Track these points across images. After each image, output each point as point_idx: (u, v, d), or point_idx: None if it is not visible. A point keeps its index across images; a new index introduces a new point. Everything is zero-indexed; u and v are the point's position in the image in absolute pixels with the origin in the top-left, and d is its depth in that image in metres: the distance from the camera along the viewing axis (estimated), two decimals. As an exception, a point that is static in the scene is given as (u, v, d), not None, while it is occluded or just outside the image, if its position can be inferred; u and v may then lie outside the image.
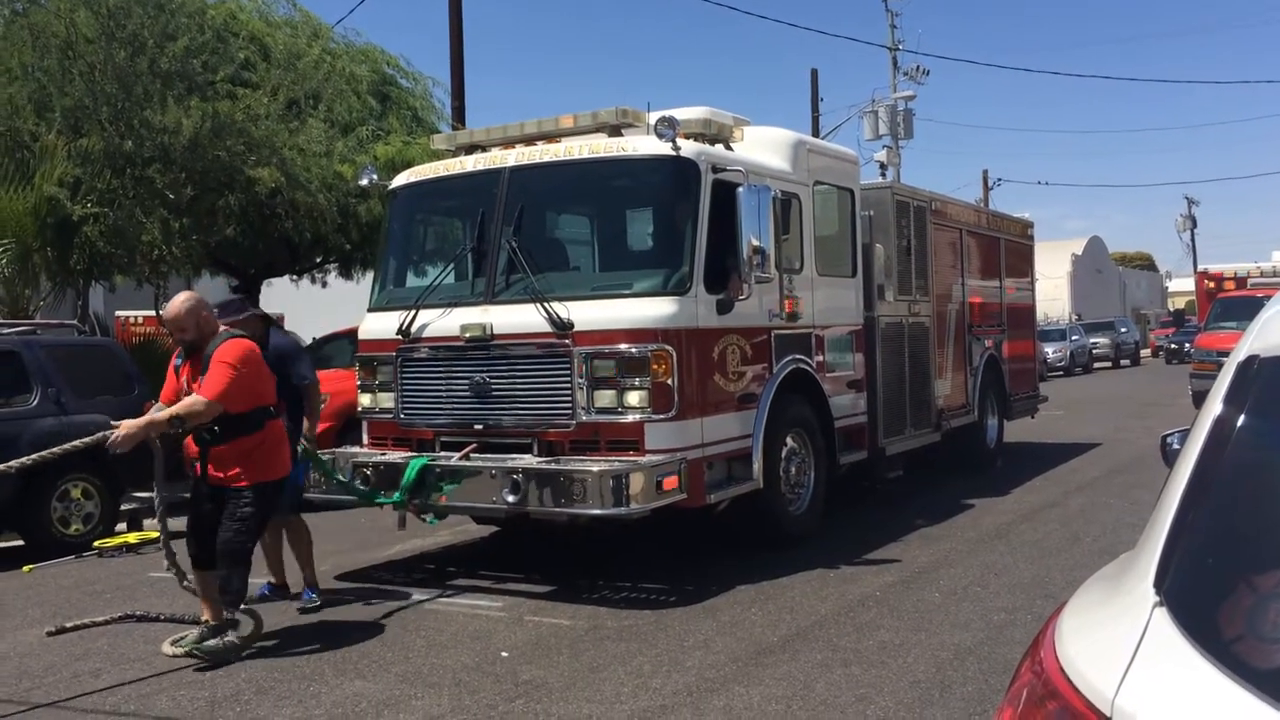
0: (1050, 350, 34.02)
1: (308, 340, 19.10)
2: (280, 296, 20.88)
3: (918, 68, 35.78)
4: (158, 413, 5.84)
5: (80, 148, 12.37)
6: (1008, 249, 13.41)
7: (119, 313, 24.83)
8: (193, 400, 5.73)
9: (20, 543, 9.51)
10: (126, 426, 5.68)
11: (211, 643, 5.89)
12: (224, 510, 5.93)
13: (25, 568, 8.66)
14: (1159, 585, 1.60)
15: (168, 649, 5.98)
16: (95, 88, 12.46)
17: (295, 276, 18.18)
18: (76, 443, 5.96)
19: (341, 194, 14.01)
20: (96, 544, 9.28)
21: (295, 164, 13.43)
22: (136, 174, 12.61)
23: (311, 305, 22.28)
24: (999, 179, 56.55)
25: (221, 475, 5.96)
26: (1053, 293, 46.79)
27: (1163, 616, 1.55)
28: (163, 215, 12.74)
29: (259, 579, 6.93)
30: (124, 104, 12.49)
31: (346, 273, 17.58)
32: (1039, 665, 1.67)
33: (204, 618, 6.06)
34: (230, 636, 5.92)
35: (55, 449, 6.03)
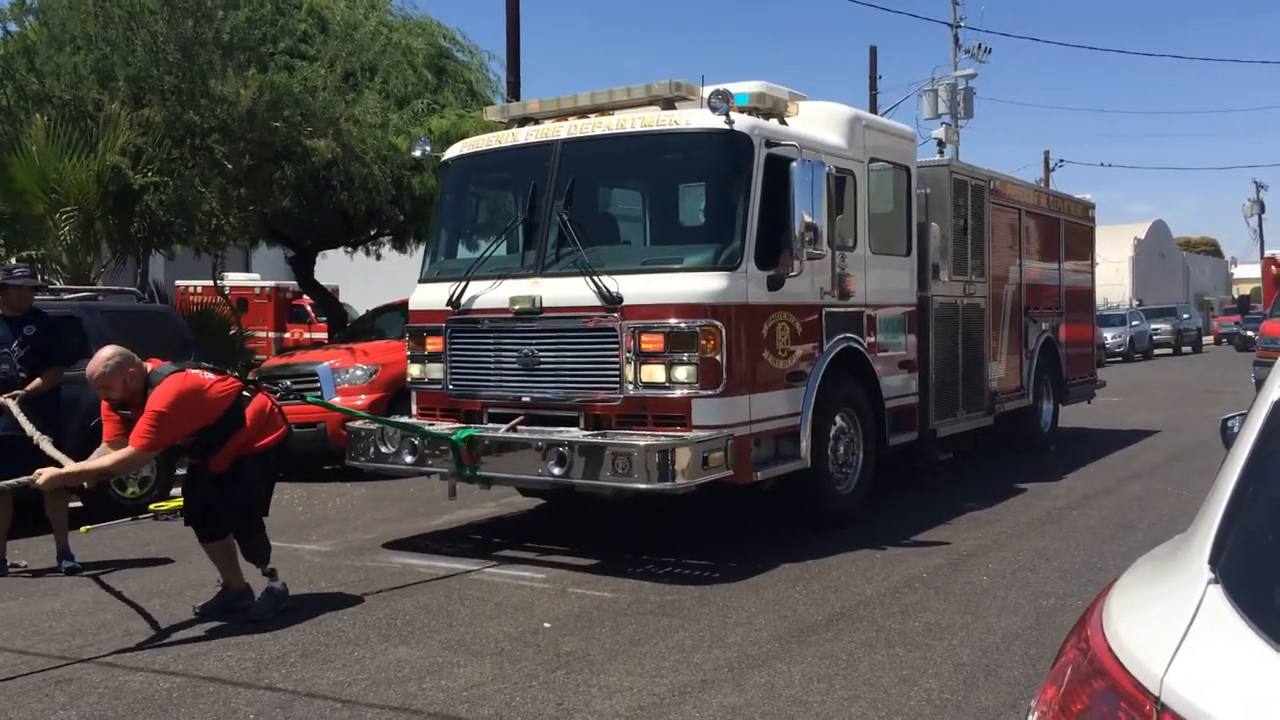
0: (1109, 335, 33.42)
1: (361, 312, 19.35)
2: (335, 268, 21.11)
3: (979, 45, 35.19)
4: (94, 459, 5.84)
5: (142, 117, 12.54)
6: (1067, 230, 13.15)
7: (179, 281, 25.29)
8: (123, 454, 5.68)
9: (79, 504, 9.70)
10: (50, 474, 5.72)
11: (261, 603, 6.10)
12: (221, 489, 6.02)
13: (83, 529, 8.82)
14: (1214, 562, 1.54)
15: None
16: (158, 57, 12.62)
17: (350, 248, 18.33)
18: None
19: (396, 166, 14.08)
20: (152, 507, 9.44)
21: (351, 135, 13.52)
22: (196, 144, 12.78)
23: (366, 277, 22.51)
24: (1061, 160, 55.71)
25: (222, 468, 6.01)
26: (1114, 277, 46.03)
27: (1217, 594, 1.48)
28: (221, 185, 12.91)
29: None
30: (186, 73, 12.64)
31: (400, 245, 17.68)
32: (1085, 643, 1.61)
33: (220, 582, 6.24)
34: (277, 584, 6.18)
35: None
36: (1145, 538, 7.62)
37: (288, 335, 27.44)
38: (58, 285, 12.07)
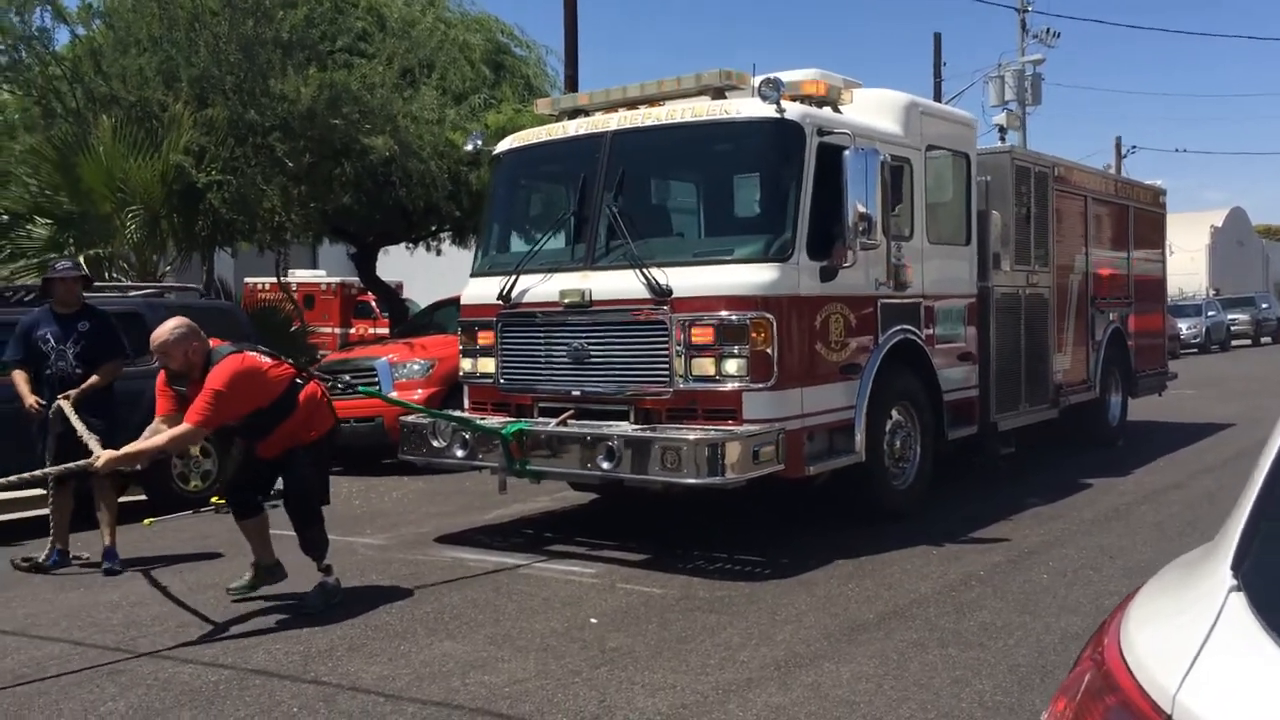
0: (1184, 326, 32.57)
1: (423, 307, 19.51)
2: (399, 264, 21.31)
3: (1047, 30, 34.31)
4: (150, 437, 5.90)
5: (205, 117, 12.74)
6: (1137, 218, 12.78)
7: (247, 279, 25.75)
8: (178, 431, 5.75)
9: (144, 497, 9.88)
10: (109, 456, 5.81)
11: (313, 596, 6.17)
12: (277, 478, 6.16)
13: (146, 521, 9.00)
14: (1236, 568, 1.41)
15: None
16: (220, 58, 12.81)
17: (411, 244, 18.46)
18: (63, 467, 6.20)
19: (453, 162, 14.12)
20: (213, 500, 9.58)
21: (408, 132, 13.60)
22: (258, 142, 12.95)
23: (428, 272, 22.68)
24: (1133, 146, 53.99)
25: (271, 454, 6.11)
26: (1189, 266, 44.84)
27: (1239, 602, 1.36)
28: (282, 183, 13.07)
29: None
30: (247, 73, 12.82)
31: (460, 240, 17.75)
32: (1100, 654, 1.50)
33: (253, 561, 6.41)
34: (330, 580, 6.25)
35: (39, 472, 6.21)
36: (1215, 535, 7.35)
37: (353, 331, 27.78)
38: (126, 282, 12.32)
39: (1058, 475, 10.10)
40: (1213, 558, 1.54)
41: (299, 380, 6.14)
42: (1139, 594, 1.70)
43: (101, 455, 5.81)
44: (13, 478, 5.69)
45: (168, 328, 5.84)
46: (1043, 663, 4.97)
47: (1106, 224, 12.04)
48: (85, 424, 6.61)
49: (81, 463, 5.99)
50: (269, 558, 6.35)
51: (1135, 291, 12.62)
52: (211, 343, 5.96)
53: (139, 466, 6.32)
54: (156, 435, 5.85)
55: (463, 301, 8.33)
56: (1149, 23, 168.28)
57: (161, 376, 6.02)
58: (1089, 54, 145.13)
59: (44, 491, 7.44)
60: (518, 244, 8.42)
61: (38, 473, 6.29)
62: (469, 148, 8.88)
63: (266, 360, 6.05)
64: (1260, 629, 1.30)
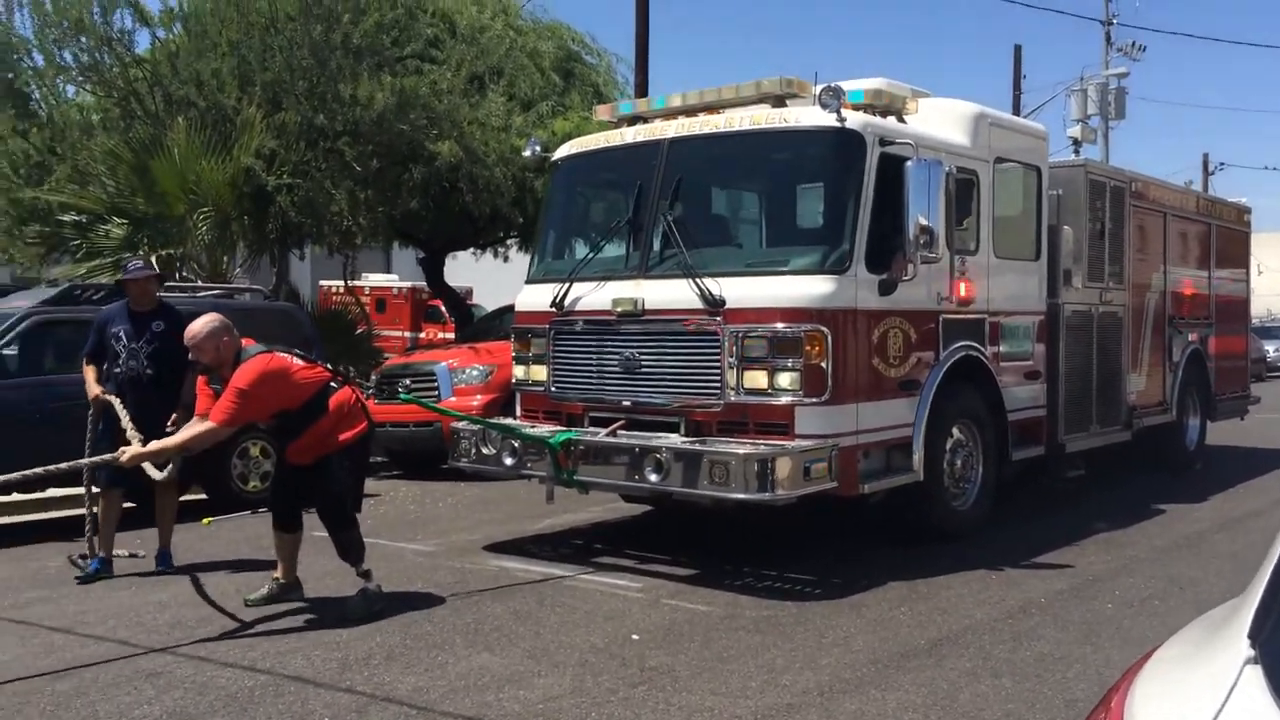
0: (1271, 349, 31.44)
1: (489, 310, 19.58)
2: (464, 270, 21.44)
3: (1133, 43, 33.44)
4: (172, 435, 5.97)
5: (277, 121, 12.90)
6: (1220, 236, 12.33)
7: (322, 281, 26.11)
8: (201, 428, 5.79)
9: (204, 496, 9.99)
10: (134, 451, 5.88)
11: (355, 602, 6.12)
12: (310, 483, 6.10)
13: (205, 520, 9.10)
14: (1254, 637, 1.25)
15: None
16: (293, 62, 12.97)
17: (478, 250, 18.54)
18: (90, 460, 6.26)
19: (518, 169, 14.14)
20: (205, 521, 9.58)
21: (474, 138, 13.63)
22: (327, 146, 13.08)
23: (495, 278, 22.80)
24: (1221, 163, 52.30)
25: (302, 460, 6.08)
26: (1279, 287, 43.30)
27: (1254, 676, 1.20)
28: (350, 187, 13.17)
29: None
30: (318, 78, 12.97)
31: (526, 247, 17.76)
32: None
33: (275, 575, 6.40)
34: (372, 586, 6.18)
35: (53, 467, 5.83)
36: None
37: (423, 335, 28.08)
38: (198, 283, 12.51)
39: (1129, 499, 9.73)
40: (1231, 623, 1.38)
41: (333, 385, 6.13)
42: (1151, 658, 1.53)
43: (127, 450, 5.88)
44: (50, 468, 5.74)
45: (203, 321, 5.91)
46: (1101, 698, 4.72)
47: (1187, 242, 11.63)
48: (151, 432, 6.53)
49: (108, 456, 6.05)
50: (291, 575, 6.39)
51: (1217, 312, 12.17)
52: (244, 342, 5.99)
53: (170, 463, 6.32)
54: (183, 432, 5.89)
55: (516, 308, 8.29)
56: (1240, 37, 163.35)
57: (202, 378, 6.08)
58: (1176, 68, 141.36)
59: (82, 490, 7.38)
60: (573, 251, 8.35)
61: (65, 466, 6.11)
62: (527, 153, 8.84)
63: (297, 362, 6.04)
64: (1275, 708, 1.14)
